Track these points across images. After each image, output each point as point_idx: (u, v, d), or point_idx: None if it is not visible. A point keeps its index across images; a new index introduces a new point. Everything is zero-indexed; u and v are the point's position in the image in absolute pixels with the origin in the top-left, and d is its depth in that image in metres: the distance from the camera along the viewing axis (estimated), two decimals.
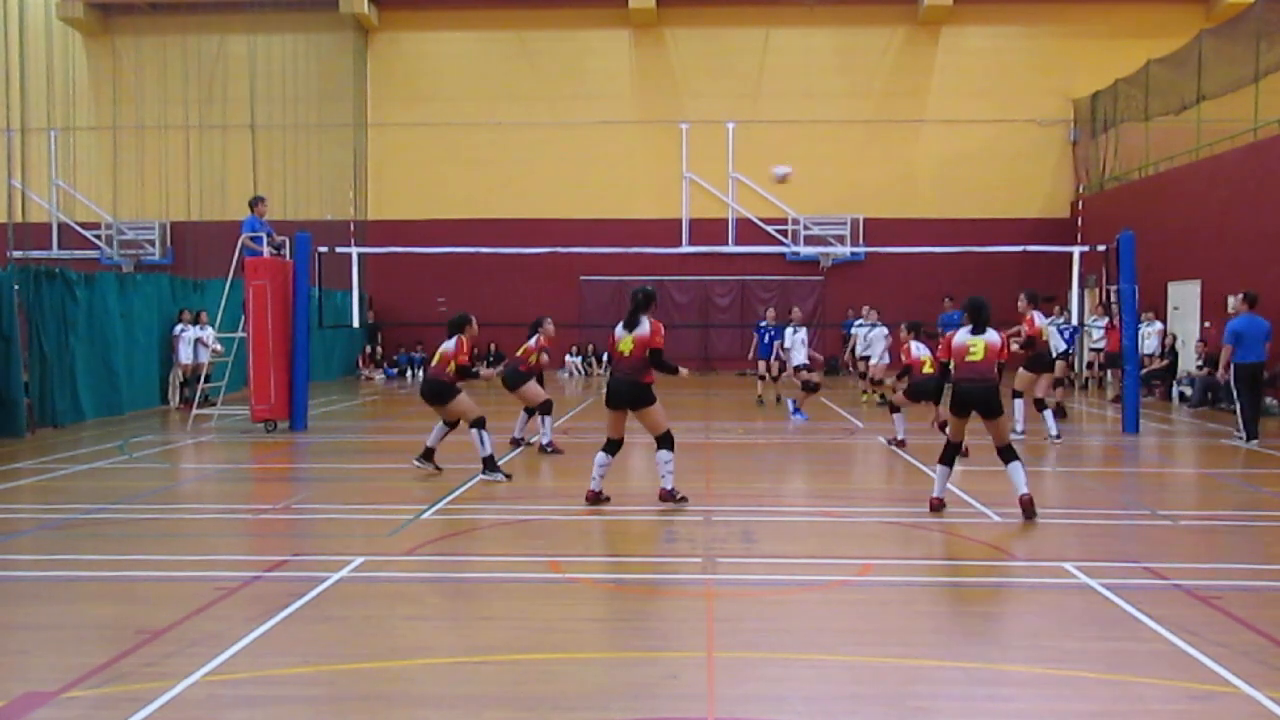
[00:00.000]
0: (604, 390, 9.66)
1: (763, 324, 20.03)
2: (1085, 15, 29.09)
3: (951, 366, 9.22)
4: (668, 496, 9.39)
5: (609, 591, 6.71)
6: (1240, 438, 13.92)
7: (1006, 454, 9.02)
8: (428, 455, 11.24)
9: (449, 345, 11.02)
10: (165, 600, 6.38)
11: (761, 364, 19.87)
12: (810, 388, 16.22)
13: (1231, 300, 14.98)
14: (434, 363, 11.21)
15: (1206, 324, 20.30)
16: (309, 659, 5.38)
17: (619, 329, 9.53)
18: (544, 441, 12.99)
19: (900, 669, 5.29)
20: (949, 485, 9.56)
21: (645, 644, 5.68)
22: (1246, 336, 13.85)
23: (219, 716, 4.66)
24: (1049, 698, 4.92)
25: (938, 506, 9.17)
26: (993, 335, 9.15)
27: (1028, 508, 8.76)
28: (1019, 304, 13.66)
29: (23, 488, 10.75)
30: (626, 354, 9.37)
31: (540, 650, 5.50)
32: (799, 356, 17.64)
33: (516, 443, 13.30)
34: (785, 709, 4.73)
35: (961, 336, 9.18)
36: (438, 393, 11.04)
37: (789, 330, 18.07)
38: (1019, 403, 13.95)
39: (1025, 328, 13.38)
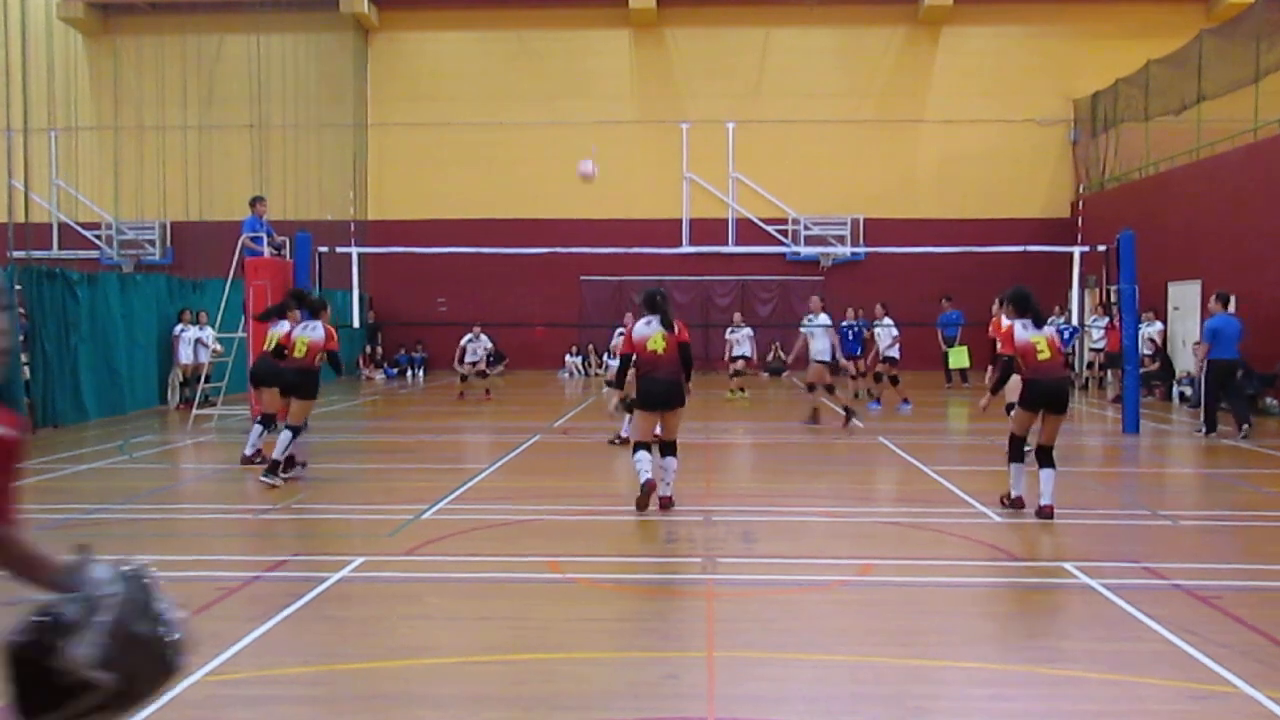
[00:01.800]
0: (641, 392, 9.20)
1: (844, 323, 20.14)
2: (1085, 15, 29.08)
3: (1019, 362, 8.90)
4: (670, 504, 9.11)
5: (609, 591, 6.71)
6: (1200, 431, 14.58)
7: (1047, 456, 8.80)
8: (275, 468, 10.22)
9: (318, 334, 10.48)
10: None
11: (851, 363, 19.83)
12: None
13: (1211, 301, 15.63)
14: (300, 353, 10.48)
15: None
16: (309, 659, 5.38)
17: (642, 327, 9.17)
18: (247, 452, 11.65)
19: (900, 669, 5.29)
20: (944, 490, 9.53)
21: (645, 644, 5.68)
22: (1223, 334, 14.50)
23: (219, 716, 4.66)
24: (1049, 698, 4.92)
25: (1018, 504, 8.88)
26: (1049, 329, 8.99)
27: (1046, 515, 8.65)
28: (993, 309, 13.41)
29: (23, 488, 10.72)
30: (662, 352, 9.08)
31: (540, 650, 5.51)
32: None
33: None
34: (785, 709, 4.74)
35: (1022, 333, 8.89)
36: (306, 384, 10.47)
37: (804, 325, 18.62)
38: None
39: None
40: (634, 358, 9.25)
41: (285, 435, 10.35)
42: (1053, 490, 8.71)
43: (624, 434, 13.50)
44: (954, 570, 7.32)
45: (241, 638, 5.60)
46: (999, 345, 8.98)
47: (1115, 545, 8.11)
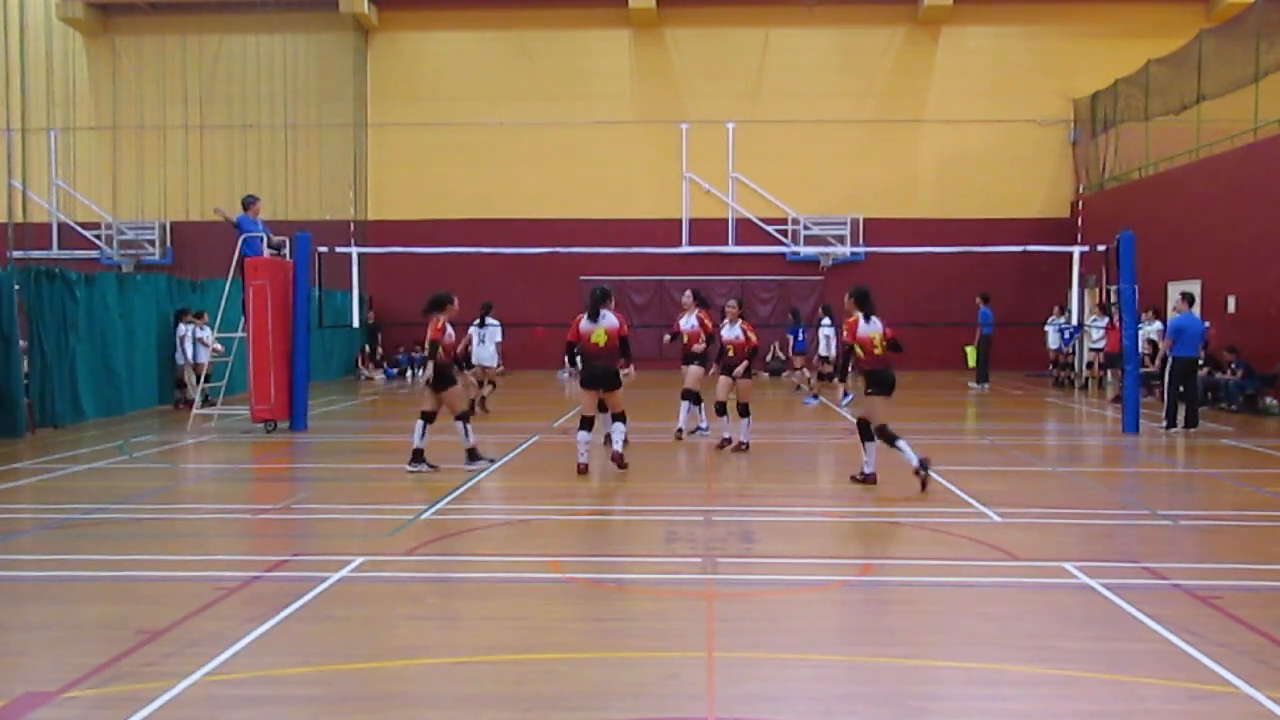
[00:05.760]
0: (582, 375, 11.24)
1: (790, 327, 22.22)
2: (1085, 15, 29.07)
3: (859, 352, 10.38)
4: (618, 458, 11.12)
5: (609, 591, 6.71)
6: (1163, 426, 15.18)
7: (882, 432, 10.31)
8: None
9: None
10: (165, 600, 6.38)
11: (800, 358, 22.39)
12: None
13: (1177, 300, 16.30)
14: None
15: (1206, 324, 20.30)
16: (309, 659, 5.38)
17: (584, 324, 11.01)
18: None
19: (900, 669, 5.29)
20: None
21: (645, 644, 5.67)
22: (1186, 333, 15.26)
23: (219, 716, 4.66)
24: (1049, 698, 4.92)
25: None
26: (878, 324, 10.34)
27: (925, 471, 10.13)
28: (684, 300, 14.28)
29: (23, 488, 10.75)
30: (603, 345, 11.02)
31: (540, 650, 5.50)
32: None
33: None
34: (785, 709, 4.73)
35: (864, 328, 10.29)
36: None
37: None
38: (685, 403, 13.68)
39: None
40: (577, 344, 11.25)
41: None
42: (913, 455, 10.24)
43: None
44: (954, 570, 7.32)
45: (241, 638, 5.60)
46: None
47: (1115, 545, 8.11)
